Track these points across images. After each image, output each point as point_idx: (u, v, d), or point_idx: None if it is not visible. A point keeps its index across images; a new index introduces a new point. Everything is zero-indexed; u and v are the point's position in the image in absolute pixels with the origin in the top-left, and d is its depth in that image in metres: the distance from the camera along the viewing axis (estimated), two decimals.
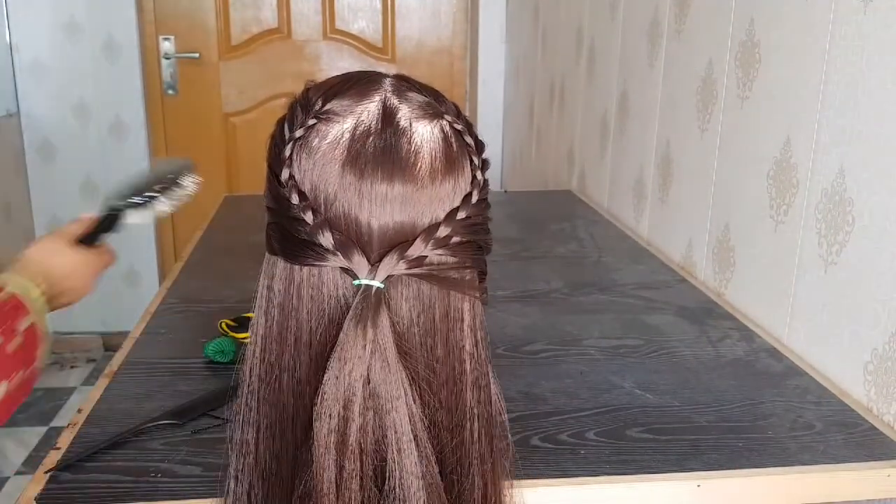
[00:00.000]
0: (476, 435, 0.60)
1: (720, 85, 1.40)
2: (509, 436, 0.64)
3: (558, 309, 1.33)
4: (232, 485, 0.60)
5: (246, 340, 0.58)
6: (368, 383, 0.55)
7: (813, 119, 1.13)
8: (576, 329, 1.24)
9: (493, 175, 3.27)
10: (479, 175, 0.59)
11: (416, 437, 0.56)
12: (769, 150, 1.24)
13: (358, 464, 0.54)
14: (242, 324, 1.19)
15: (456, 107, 0.61)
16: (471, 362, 0.60)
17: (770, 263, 1.24)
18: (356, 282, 0.55)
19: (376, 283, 0.55)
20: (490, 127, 3.23)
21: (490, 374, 0.62)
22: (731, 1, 1.36)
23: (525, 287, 1.42)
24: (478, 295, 0.60)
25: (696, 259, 1.50)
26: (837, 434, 0.95)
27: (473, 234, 0.58)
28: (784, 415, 0.99)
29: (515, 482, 0.66)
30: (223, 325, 1.17)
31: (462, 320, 0.60)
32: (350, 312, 0.55)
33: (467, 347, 0.60)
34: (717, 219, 1.42)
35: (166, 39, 3.23)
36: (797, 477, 0.88)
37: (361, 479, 0.54)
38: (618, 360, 1.13)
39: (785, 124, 1.20)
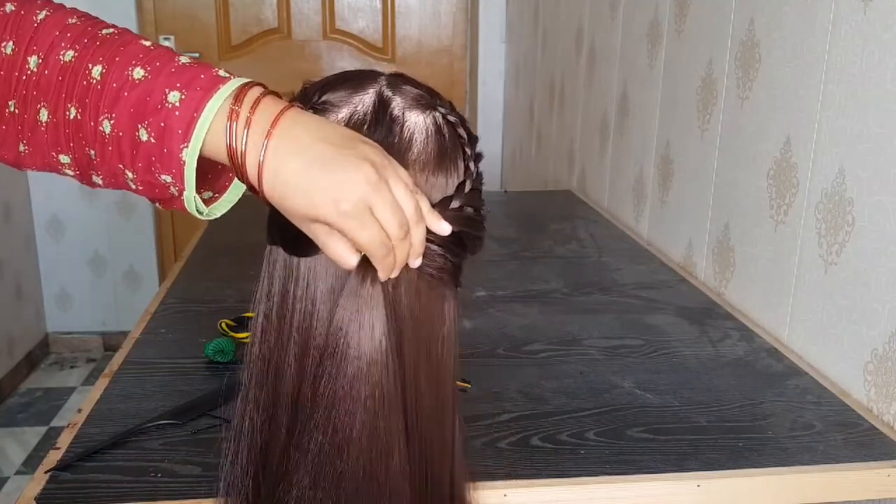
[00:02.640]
0: (453, 428, 0.61)
1: (720, 85, 1.40)
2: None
3: (558, 309, 1.33)
4: (229, 468, 0.61)
5: (246, 340, 0.59)
6: (360, 359, 0.56)
7: (813, 119, 1.13)
8: (576, 329, 1.24)
9: (494, 175, 3.27)
10: (472, 166, 0.60)
11: (407, 427, 0.57)
12: (769, 150, 1.24)
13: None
14: (242, 324, 1.19)
15: (450, 102, 0.61)
16: (449, 351, 0.61)
17: (770, 263, 1.24)
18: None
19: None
20: (490, 127, 3.23)
21: (456, 360, 0.63)
22: (731, 1, 1.36)
23: (525, 287, 1.42)
24: (456, 283, 0.61)
25: (696, 259, 1.50)
26: (837, 434, 0.95)
27: (464, 224, 0.59)
28: (784, 415, 0.99)
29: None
30: (223, 325, 1.17)
31: (444, 309, 0.61)
32: (346, 290, 0.56)
33: (448, 336, 0.61)
34: (717, 219, 1.42)
35: (166, 39, 3.23)
36: (797, 477, 0.88)
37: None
38: (618, 360, 1.13)
39: (785, 124, 1.20)
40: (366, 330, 0.56)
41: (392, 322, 0.57)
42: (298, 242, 0.57)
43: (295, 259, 0.58)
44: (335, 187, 0.51)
